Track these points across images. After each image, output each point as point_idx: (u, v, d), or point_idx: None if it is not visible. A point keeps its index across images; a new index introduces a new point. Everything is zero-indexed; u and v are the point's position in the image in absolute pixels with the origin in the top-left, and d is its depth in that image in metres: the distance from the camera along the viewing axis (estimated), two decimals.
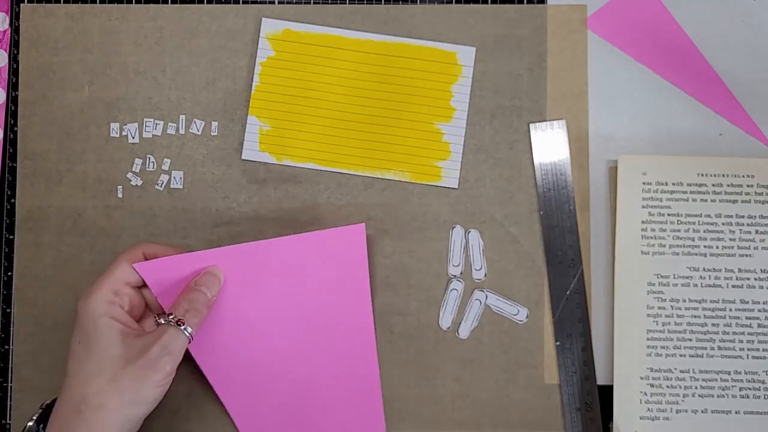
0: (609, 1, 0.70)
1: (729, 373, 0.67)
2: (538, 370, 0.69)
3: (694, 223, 0.67)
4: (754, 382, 0.66)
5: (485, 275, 0.69)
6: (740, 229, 0.67)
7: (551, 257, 0.68)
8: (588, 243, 0.69)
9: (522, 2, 0.71)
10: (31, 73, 0.71)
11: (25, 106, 0.71)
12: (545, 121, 0.69)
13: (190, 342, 0.59)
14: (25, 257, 0.70)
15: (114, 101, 0.71)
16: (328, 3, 0.71)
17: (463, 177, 0.70)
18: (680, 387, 0.67)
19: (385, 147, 0.70)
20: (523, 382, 0.69)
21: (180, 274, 0.63)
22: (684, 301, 0.67)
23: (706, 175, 0.67)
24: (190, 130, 0.70)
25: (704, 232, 0.67)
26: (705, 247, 0.67)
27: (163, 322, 0.58)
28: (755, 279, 0.67)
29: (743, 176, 0.67)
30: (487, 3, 0.71)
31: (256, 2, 0.71)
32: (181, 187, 0.70)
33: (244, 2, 0.71)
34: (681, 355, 0.67)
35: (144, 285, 0.62)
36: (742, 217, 0.67)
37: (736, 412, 0.66)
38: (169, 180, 0.70)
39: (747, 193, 0.67)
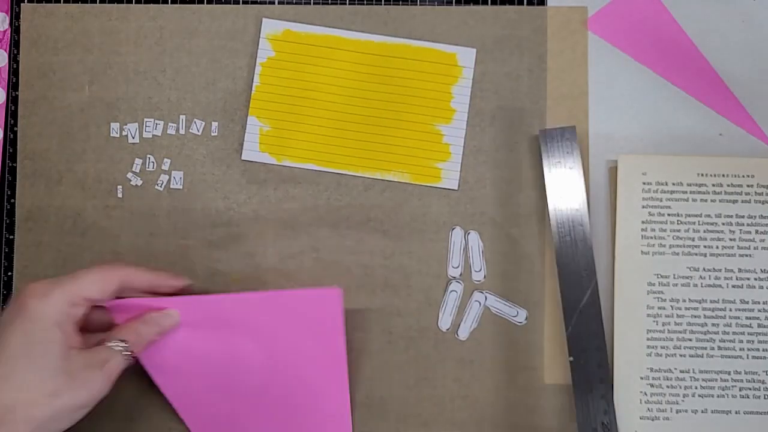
0: (609, 2, 0.70)
1: (729, 373, 0.67)
2: (538, 371, 0.69)
3: (694, 223, 0.67)
4: (754, 382, 0.66)
5: (485, 277, 0.69)
6: (740, 229, 0.67)
7: (563, 267, 0.66)
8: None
9: (522, 3, 0.71)
10: (31, 73, 0.71)
11: (25, 106, 0.71)
12: (555, 128, 0.68)
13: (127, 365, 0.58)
14: (25, 257, 0.70)
15: (114, 101, 0.71)
16: (328, 4, 0.71)
17: (463, 178, 0.70)
18: (680, 387, 0.67)
19: (385, 148, 0.70)
20: (523, 383, 0.69)
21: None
22: (684, 301, 0.67)
23: (706, 175, 0.67)
24: (190, 131, 0.70)
25: (704, 232, 0.67)
26: (705, 247, 0.67)
27: (110, 344, 0.57)
28: (755, 279, 0.67)
29: (743, 176, 0.67)
30: (487, 4, 0.71)
31: (256, 2, 0.71)
32: (181, 187, 0.70)
33: (244, 2, 0.71)
34: (681, 355, 0.67)
35: (99, 306, 0.60)
36: (742, 217, 0.67)
37: (736, 412, 0.66)
38: (169, 180, 0.70)
39: (747, 193, 0.67)
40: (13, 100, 0.71)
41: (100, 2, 0.71)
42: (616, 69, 0.70)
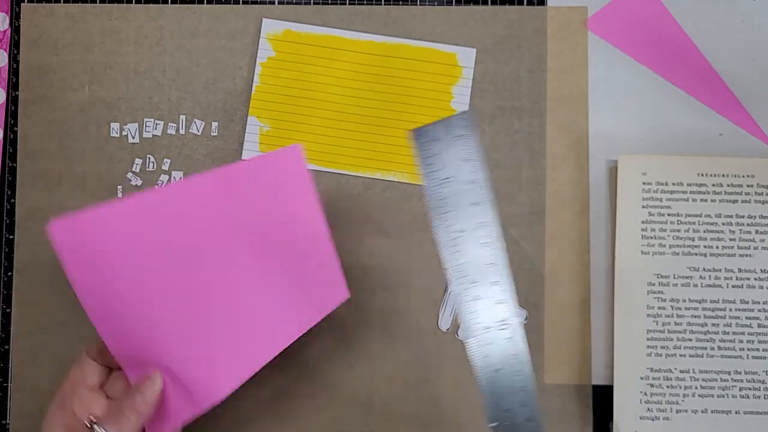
0: (609, 2, 0.71)
1: (729, 373, 0.67)
2: (538, 371, 0.69)
3: (694, 223, 0.67)
4: (754, 382, 0.66)
5: None
6: (740, 229, 0.67)
7: (471, 327, 0.54)
8: (587, 243, 0.69)
9: (522, 3, 0.71)
10: (31, 73, 0.71)
11: (25, 106, 0.71)
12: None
13: None
14: (25, 257, 0.70)
15: (114, 101, 0.71)
16: (328, 4, 0.71)
17: None
18: (680, 387, 0.67)
19: (385, 148, 0.70)
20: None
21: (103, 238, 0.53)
22: (684, 301, 0.67)
23: (706, 175, 0.67)
24: (190, 131, 0.70)
25: (704, 232, 0.67)
26: (705, 247, 0.67)
27: (96, 429, 0.56)
28: (755, 279, 0.67)
29: (743, 176, 0.67)
30: (487, 4, 0.71)
31: (256, 3, 0.71)
32: None
33: (244, 3, 0.71)
34: (681, 355, 0.67)
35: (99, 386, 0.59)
36: (742, 217, 0.67)
37: (736, 412, 0.66)
38: (169, 180, 0.70)
39: (747, 193, 0.67)
40: (13, 100, 0.71)
41: (100, 2, 0.71)
42: (616, 69, 0.70)
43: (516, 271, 0.69)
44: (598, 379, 0.68)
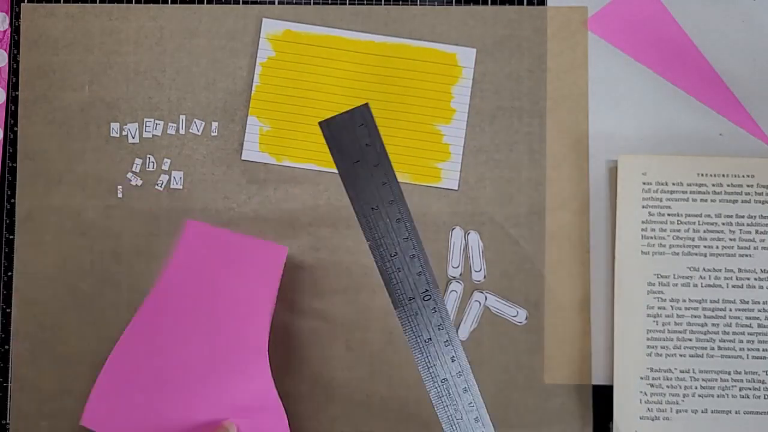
0: (609, 2, 0.71)
1: (729, 373, 0.67)
2: (538, 371, 0.69)
3: (694, 223, 0.67)
4: (754, 382, 0.66)
5: (485, 277, 0.69)
6: (740, 229, 0.67)
7: (396, 295, 0.55)
8: (587, 244, 0.69)
9: (522, 3, 0.71)
10: (31, 73, 0.71)
11: (25, 106, 0.71)
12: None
13: None
14: (25, 257, 0.70)
15: (114, 101, 0.71)
16: (328, 4, 0.71)
17: (463, 178, 0.70)
18: (680, 387, 0.67)
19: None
20: (523, 383, 0.69)
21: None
22: (684, 301, 0.67)
23: (706, 175, 0.67)
24: (190, 131, 0.70)
25: (704, 232, 0.67)
26: (705, 247, 0.67)
27: None
28: (755, 279, 0.67)
29: (743, 176, 0.67)
30: (487, 4, 0.71)
31: (256, 3, 0.71)
32: (181, 187, 0.70)
33: (244, 2, 0.71)
34: (681, 355, 0.67)
35: None
36: (742, 217, 0.67)
37: (736, 412, 0.66)
38: (169, 180, 0.70)
39: (747, 193, 0.67)
40: (13, 100, 0.71)
41: (100, 2, 0.71)
42: (616, 69, 0.70)
43: (516, 271, 0.69)
44: (598, 379, 0.68)
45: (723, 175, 0.67)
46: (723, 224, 0.67)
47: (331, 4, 0.71)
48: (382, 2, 0.71)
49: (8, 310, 0.70)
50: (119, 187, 0.70)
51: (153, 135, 0.71)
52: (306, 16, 0.71)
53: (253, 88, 0.70)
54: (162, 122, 0.71)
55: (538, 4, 0.71)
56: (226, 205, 0.70)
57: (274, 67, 0.70)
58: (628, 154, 0.68)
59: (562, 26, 0.71)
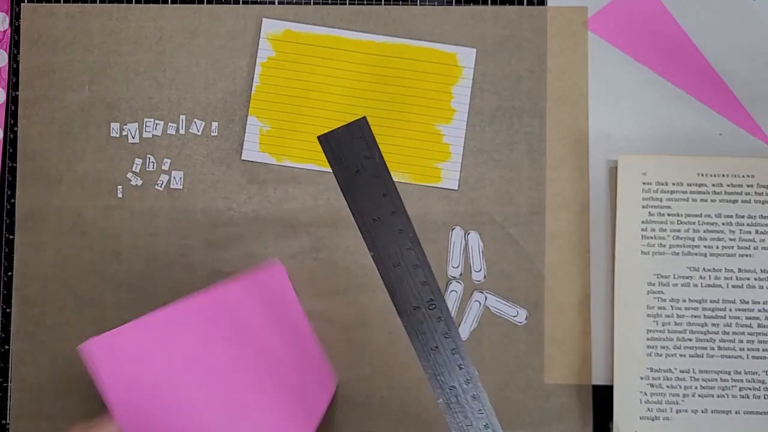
0: (609, 2, 0.71)
1: (729, 373, 0.67)
2: (538, 371, 0.69)
3: (694, 223, 0.67)
4: (754, 382, 0.66)
5: (485, 277, 0.69)
6: (740, 229, 0.67)
7: (401, 304, 0.56)
8: (587, 244, 0.69)
9: (522, 4, 0.71)
10: (31, 73, 0.71)
11: (25, 106, 0.71)
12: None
13: None
14: (25, 257, 0.70)
15: (114, 101, 0.71)
16: (328, 4, 0.71)
17: (463, 178, 0.70)
18: (680, 387, 0.67)
19: (384, 148, 0.70)
20: (523, 383, 0.69)
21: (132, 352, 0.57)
22: (684, 301, 0.67)
23: (706, 175, 0.67)
24: (190, 131, 0.70)
25: (704, 232, 0.67)
26: (705, 247, 0.67)
27: None
28: (755, 279, 0.67)
29: (743, 176, 0.67)
30: (487, 4, 0.71)
31: (256, 3, 0.71)
32: (181, 187, 0.70)
33: (244, 3, 0.71)
34: (681, 355, 0.67)
35: None
36: (742, 217, 0.67)
37: (736, 412, 0.66)
38: (169, 180, 0.70)
39: (747, 193, 0.67)
40: (13, 100, 0.71)
41: (100, 2, 0.71)
42: (616, 69, 0.70)
43: (516, 271, 0.69)
44: (598, 379, 0.68)
45: (723, 175, 0.67)
46: (723, 224, 0.67)
47: (331, 4, 0.71)
48: (382, 2, 0.71)
49: (8, 310, 0.70)
50: (119, 187, 0.70)
51: (153, 135, 0.71)
52: (306, 16, 0.71)
53: (253, 88, 0.70)
54: (162, 122, 0.71)
55: (538, 4, 0.71)
56: (226, 205, 0.70)
57: (274, 67, 0.70)
58: (628, 154, 0.68)
59: (562, 26, 0.71)
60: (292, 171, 0.70)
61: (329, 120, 0.70)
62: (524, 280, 0.69)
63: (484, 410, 0.56)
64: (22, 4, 0.72)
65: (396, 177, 0.70)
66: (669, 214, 0.67)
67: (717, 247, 0.67)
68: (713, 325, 0.67)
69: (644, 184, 0.67)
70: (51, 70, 0.71)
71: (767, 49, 0.70)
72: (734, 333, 0.67)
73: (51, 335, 0.70)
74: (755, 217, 0.67)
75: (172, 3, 0.71)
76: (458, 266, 0.69)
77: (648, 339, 0.67)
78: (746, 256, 0.67)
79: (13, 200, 0.70)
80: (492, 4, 0.71)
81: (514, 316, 0.69)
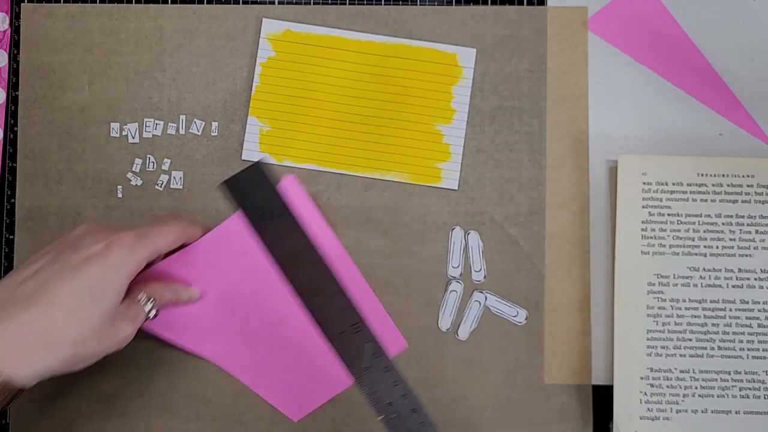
0: (609, 2, 0.71)
1: (729, 373, 0.67)
2: (538, 371, 0.69)
3: (694, 223, 0.67)
4: (754, 382, 0.66)
5: (485, 277, 0.69)
6: (740, 229, 0.67)
7: (328, 331, 0.61)
8: (587, 244, 0.69)
9: (522, 4, 0.71)
10: (31, 73, 0.71)
11: (25, 106, 0.71)
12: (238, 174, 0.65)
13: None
14: (25, 257, 0.70)
15: (114, 101, 0.71)
16: (328, 4, 0.71)
17: (463, 178, 0.70)
18: (680, 387, 0.67)
19: (385, 148, 0.70)
20: (523, 383, 0.69)
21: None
22: (684, 301, 0.67)
23: (706, 175, 0.67)
24: (190, 131, 0.70)
25: (704, 232, 0.67)
26: (705, 247, 0.67)
27: (142, 301, 0.60)
28: (755, 279, 0.67)
29: (743, 176, 0.67)
30: (487, 4, 0.71)
31: (256, 3, 0.71)
32: (181, 187, 0.70)
33: (244, 2, 0.71)
34: (681, 355, 0.67)
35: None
36: (742, 217, 0.67)
37: (736, 412, 0.66)
38: (169, 180, 0.70)
39: (747, 193, 0.67)
40: (13, 100, 0.71)
41: (100, 2, 0.71)
42: (616, 69, 0.70)
43: (516, 271, 0.69)
44: (598, 379, 0.68)
45: (723, 175, 0.67)
46: (723, 224, 0.67)
47: (331, 4, 0.71)
48: (382, 2, 0.71)
49: None
50: (119, 187, 0.70)
51: (153, 135, 0.71)
52: (306, 16, 0.71)
53: (253, 88, 0.70)
54: (162, 122, 0.71)
55: (538, 4, 0.71)
56: (226, 205, 0.70)
57: (274, 67, 0.70)
58: (628, 154, 0.68)
59: (562, 26, 0.71)
60: (292, 171, 0.70)
61: (329, 120, 0.70)
62: (524, 280, 0.69)
63: (426, 421, 0.60)
64: (22, 4, 0.72)
65: (396, 177, 0.70)
66: (669, 214, 0.67)
67: (717, 247, 0.67)
68: (713, 325, 0.67)
69: (644, 184, 0.67)
70: (51, 70, 0.71)
71: (767, 49, 0.70)
72: (734, 333, 0.67)
73: None
74: (755, 217, 0.67)
75: (172, 3, 0.71)
76: (458, 266, 0.69)
77: (648, 339, 0.67)
78: (746, 256, 0.67)
79: (13, 200, 0.70)
80: (492, 4, 0.71)
81: (514, 316, 0.69)
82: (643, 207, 0.67)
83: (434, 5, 0.71)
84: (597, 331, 0.69)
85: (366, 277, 0.69)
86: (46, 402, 0.69)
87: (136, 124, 0.71)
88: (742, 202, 0.67)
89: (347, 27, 0.71)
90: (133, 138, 0.71)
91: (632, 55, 0.70)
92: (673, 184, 0.67)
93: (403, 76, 0.70)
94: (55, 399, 0.69)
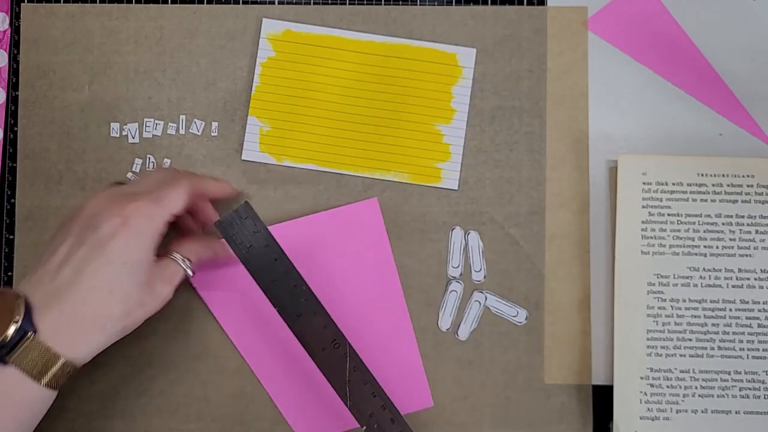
0: (609, 2, 0.71)
1: (729, 373, 0.67)
2: (538, 371, 0.69)
3: (694, 223, 0.67)
4: (754, 382, 0.66)
5: (485, 277, 0.69)
6: (740, 229, 0.67)
7: (310, 348, 0.63)
8: (587, 244, 0.69)
9: (522, 4, 0.71)
10: (31, 73, 0.71)
11: (25, 106, 0.71)
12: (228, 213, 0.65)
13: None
14: (25, 257, 0.70)
15: (114, 101, 0.71)
16: (328, 4, 0.71)
17: (463, 178, 0.70)
18: (680, 387, 0.67)
19: (385, 148, 0.70)
20: (523, 383, 0.69)
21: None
22: (684, 301, 0.67)
23: (706, 175, 0.67)
24: (190, 131, 0.70)
25: (704, 232, 0.67)
26: (705, 247, 0.67)
27: (177, 259, 0.62)
28: (755, 279, 0.67)
29: (743, 176, 0.67)
30: (487, 4, 0.71)
31: (256, 2, 0.71)
32: None
33: (244, 2, 0.71)
34: (681, 355, 0.67)
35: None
36: (742, 217, 0.67)
37: (736, 412, 0.66)
38: None
39: (747, 193, 0.67)
40: (13, 100, 0.71)
41: (100, 2, 0.71)
42: (616, 69, 0.70)
43: (516, 271, 0.69)
44: (598, 379, 0.68)
45: (723, 175, 0.67)
46: (723, 224, 0.67)
47: (331, 4, 0.71)
48: (382, 2, 0.71)
49: None
50: None
51: (153, 135, 0.71)
52: (306, 16, 0.71)
53: (253, 88, 0.70)
54: (162, 122, 0.70)
55: (538, 4, 0.71)
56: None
57: (274, 67, 0.70)
58: (628, 154, 0.68)
59: (562, 26, 0.71)
60: (292, 171, 0.70)
61: (329, 120, 0.70)
62: (524, 280, 0.69)
63: (405, 429, 0.62)
64: (22, 4, 0.72)
65: (396, 177, 0.70)
66: (669, 214, 0.67)
67: (717, 247, 0.67)
68: (713, 325, 0.67)
69: (644, 184, 0.67)
70: (51, 70, 0.71)
71: (767, 49, 0.70)
72: (734, 333, 0.67)
73: None
74: (755, 217, 0.67)
75: (172, 3, 0.71)
76: (458, 266, 0.69)
77: (648, 339, 0.67)
78: (746, 256, 0.67)
79: (13, 200, 0.70)
80: (492, 4, 0.71)
81: (514, 316, 0.69)
82: (643, 207, 0.67)
83: (434, 5, 0.71)
84: (597, 331, 0.69)
85: None
86: None
87: (136, 124, 0.71)
88: (742, 202, 0.67)
89: (347, 27, 0.71)
90: (133, 138, 0.70)
91: (632, 55, 0.70)
92: (673, 184, 0.67)
93: (403, 76, 0.70)
94: (55, 399, 0.69)
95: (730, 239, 0.67)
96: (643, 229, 0.67)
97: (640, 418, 0.66)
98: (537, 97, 0.70)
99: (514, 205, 0.70)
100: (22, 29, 0.71)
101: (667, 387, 0.67)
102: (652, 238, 0.67)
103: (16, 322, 0.54)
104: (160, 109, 0.71)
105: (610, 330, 0.68)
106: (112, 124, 0.71)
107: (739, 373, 0.66)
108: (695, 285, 0.67)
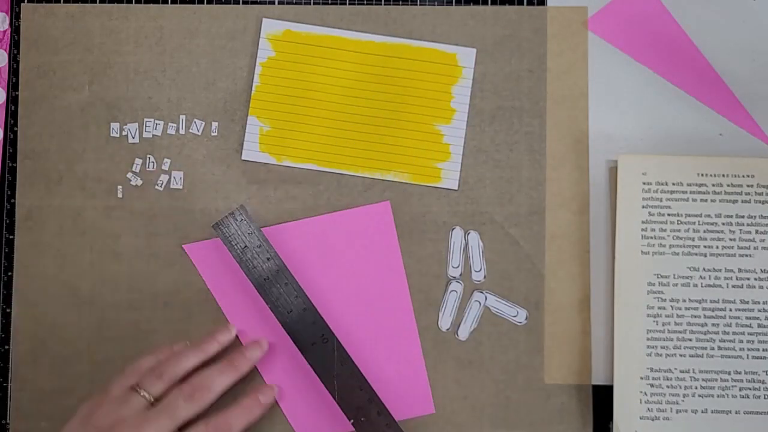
0: (609, 2, 0.71)
1: (729, 373, 0.67)
2: (538, 371, 0.69)
3: (694, 223, 0.67)
4: (754, 382, 0.66)
5: (485, 277, 0.69)
6: (740, 229, 0.67)
7: (301, 343, 0.66)
8: (587, 244, 0.69)
9: (522, 4, 0.71)
10: (31, 73, 0.71)
11: (25, 106, 0.71)
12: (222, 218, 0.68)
13: None
14: (25, 257, 0.70)
15: (114, 101, 0.71)
16: (328, 4, 0.71)
17: (463, 178, 0.70)
18: (680, 387, 0.67)
19: (385, 148, 0.70)
20: (523, 383, 0.69)
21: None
22: (684, 301, 0.67)
23: (706, 175, 0.67)
24: (190, 131, 0.70)
25: (704, 232, 0.67)
26: (705, 247, 0.67)
27: None
28: (755, 279, 0.67)
29: (743, 176, 0.67)
30: (487, 4, 0.71)
31: (256, 3, 0.71)
32: (181, 187, 0.70)
33: (244, 2, 0.71)
34: (681, 355, 0.67)
35: None
36: (742, 217, 0.67)
37: (736, 412, 0.66)
38: (169, 180, 0.70)
39: (747, 193, 0.67)
40: (13, 100, 0.71)
41: (100, 2, 0.71)
42: (616, 69, 0.70)
43: (516, 271, 0.69)
44: (598, 379, 0.68)
45: (723, 175, 0.67)
46: (723, 224, 0.67)
47: (331, 4, 0.71)
48: (382, 2, 0.71)
49: (8, 310, 0.70)
50: (119, 187, 0.70)
51: (153, 135, 0.71)
52: (306, 16, 0.71)
53: (253, 88, 0.70)
54: (162, 122, 0.70)
55: (538, 4, 0.71)
56: (226, 205, 0.70)
57: (274, 67, 0.70)
58: (628, 154, 0.68)
59: (562, 26, 0.71)
60: (292, 171, 0.70)
61: (329, 120, 0.70)
62: (524, 280, 0.69)
63: (390, 422, 0.64)
64: (22, 4, 0.72)
65: (396, 177, 0.70)
66: (669, 214, 0.67)
67: (717, 247, 0.67)
68: (713, 325, 0.67)
69: (644, 184, 0.67)
70: (51, 70, 0.71)
71: (767, 49, 0.70)
72: (734, 333, 0.67)
73: (51, 335, 0.70)
74: (755, 217, 0.67)
75: (172, 3, 0.71)
76: (458, 266, 0.69)
77: (648, 339, 0.67)
78: (746, 256, 0.67)
79: (13, 200, 0.70)
80: (492, 4, 0.71)
81: (514, 316, 0.69)
82: (643, 207, 0.67)
83: (434, 5, 0.71)
84: (597, 331, 0.69)
85: None
86: (46, 402, 0.69)
87: (136, 124, 0.71)
88: (742, 202, 0.67)
89: (347, 27, 0.71)
90: (133, 138, 0.70)
91: (632, 55, 0.70)
92: (673, 184, 0.67)
93: (403, 76, 0.70)
94: (55, 399, 0.69)
95: (730, 239, 0.67)
96: (643, 229, 0.67)
97: (640, 418, 0.66)
98: (537, 97, 0.70)
99: (514, 205, 0.70)
100: (22, 29, 0.71)
101: (667, 387, 0.67)
102: (652, 238, 0.67)
103: None
104: (160, 109, 0.71)
105: (610, 330, 0.68)
106: (112, 124, 0.71)
107: (739, 373, 0.66)
108: (695, 285, 0.67)
